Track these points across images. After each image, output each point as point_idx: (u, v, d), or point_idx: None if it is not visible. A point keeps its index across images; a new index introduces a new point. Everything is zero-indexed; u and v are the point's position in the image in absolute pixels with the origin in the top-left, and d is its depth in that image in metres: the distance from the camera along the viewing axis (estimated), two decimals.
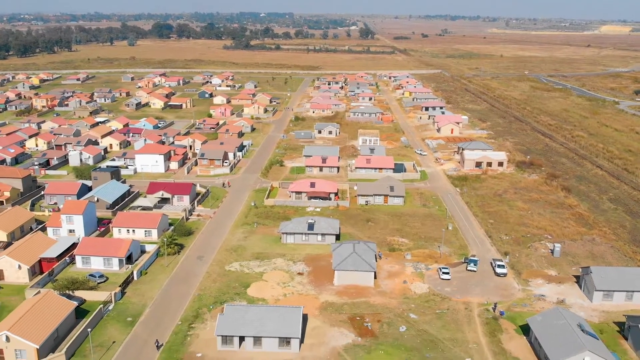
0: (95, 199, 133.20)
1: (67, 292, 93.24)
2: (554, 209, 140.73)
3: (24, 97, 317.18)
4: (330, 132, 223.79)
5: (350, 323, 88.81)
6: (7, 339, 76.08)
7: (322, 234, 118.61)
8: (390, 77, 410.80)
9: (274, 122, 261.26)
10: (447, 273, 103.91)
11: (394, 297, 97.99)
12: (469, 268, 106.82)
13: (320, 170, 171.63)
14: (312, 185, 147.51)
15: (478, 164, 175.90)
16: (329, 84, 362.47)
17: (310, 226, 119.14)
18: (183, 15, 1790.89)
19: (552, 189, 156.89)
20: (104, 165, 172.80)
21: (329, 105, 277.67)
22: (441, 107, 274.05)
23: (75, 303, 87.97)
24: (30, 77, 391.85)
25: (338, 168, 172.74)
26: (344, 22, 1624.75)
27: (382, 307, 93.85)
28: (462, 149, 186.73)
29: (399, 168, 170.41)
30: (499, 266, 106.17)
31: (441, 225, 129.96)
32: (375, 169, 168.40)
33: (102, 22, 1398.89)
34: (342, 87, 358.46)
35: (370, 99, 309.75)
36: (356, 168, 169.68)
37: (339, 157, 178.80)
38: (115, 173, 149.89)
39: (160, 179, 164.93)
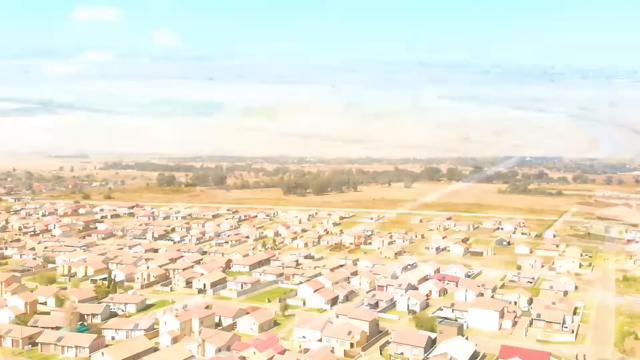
0: (449, 357, 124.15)
1: None
2: None
3: (329, 232, 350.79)
4: None
5: None
6: None
7: None
8: None
9: (594, 279, 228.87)
10: None
11: None
12: None
13: None
14: None
15: None
16: None
17: None
18: (446, 159, 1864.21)
19: None
20: (430, 314, 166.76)
21: None
22: None
23: None
24: (331, 214, 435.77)
25: None
26: (624, 167, 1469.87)
27: None
28: None
29: None
30: None
31: None
32: None
33: (374, 165, 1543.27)
34: None
35: None
36: None
37: None
38: (459, 328, 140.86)
39: (495, 340, 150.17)
